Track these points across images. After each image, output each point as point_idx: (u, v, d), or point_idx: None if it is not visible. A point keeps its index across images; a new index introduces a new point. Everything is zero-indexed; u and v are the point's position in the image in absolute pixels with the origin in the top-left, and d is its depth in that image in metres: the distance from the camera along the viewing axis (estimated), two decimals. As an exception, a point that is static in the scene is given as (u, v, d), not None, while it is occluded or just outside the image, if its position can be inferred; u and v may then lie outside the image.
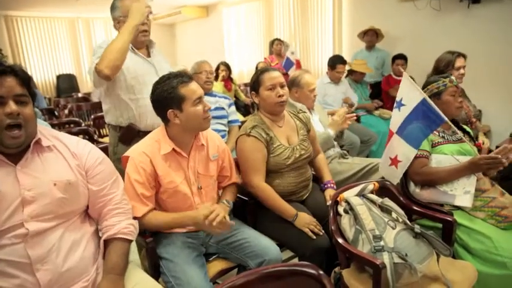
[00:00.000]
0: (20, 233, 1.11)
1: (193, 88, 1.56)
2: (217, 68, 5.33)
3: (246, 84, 6.16)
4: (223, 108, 2.96)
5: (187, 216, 1.53)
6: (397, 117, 1.81)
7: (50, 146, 1.24)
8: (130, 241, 1.35)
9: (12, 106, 1.11)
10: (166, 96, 1.53)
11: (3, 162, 1.14)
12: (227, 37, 7.89)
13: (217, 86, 5.09)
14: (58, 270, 1.16)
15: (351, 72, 4.27)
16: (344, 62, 3.80)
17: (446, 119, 1.69)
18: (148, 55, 2.10)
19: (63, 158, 1.25)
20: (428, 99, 1.70)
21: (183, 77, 1.56)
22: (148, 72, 2.02)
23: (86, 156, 1.30)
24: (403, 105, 1.77)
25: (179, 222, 1.55)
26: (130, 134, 1.86)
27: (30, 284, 1.12)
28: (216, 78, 5.27)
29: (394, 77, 4.37)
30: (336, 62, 3.77)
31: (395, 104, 1.82)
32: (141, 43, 2.05)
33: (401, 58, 4.30)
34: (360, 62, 4.29)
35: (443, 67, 2.53)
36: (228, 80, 5.45)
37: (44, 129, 1.25)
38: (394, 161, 1.84)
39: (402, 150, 1.80)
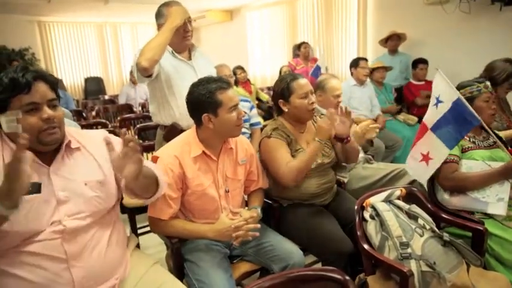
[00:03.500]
0: (58, 229, 1.15)
1: (231, 95, 1.57)
2: (234, 74, 4.99)
3: (269, 88, 6.11)
4: (244, 112, 2.98)
5: (210, 230, 1.54)
6: (434, 113, 1.76)
7: (79, 147, 1.28)
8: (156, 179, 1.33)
9: (48, 111, 1.15)
10: (204, 100, 1.54)
11: (38, 164, 1.18)
12: (250, 41, 7.96)
13: (240, 92, 4.79)
14: (91, 268, 1.19)
15: (372, 76, 4.21)
16: (365, 60, 3.80)
17: (480, 119, 1.64)
18: (190, 58, 2.19)
19: (92, 158, 1.28)
20: (463, 99, 1.66)
21: (222, 82, 1.58)
22: (188, 73, 2.09)
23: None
24: (441, 102, 1.73)
25: (201, 234, 1.56)
26: (174, 133, 1.94)
27: (64, 280, 1.15)
28: (236, 83, 5.00)
29: (414, 82, 4.30)
30: (357, 60, 3.78)
31: (433, 101, 1.77)
32: (183, 47, 2.16)
33: (423, 62, 4.24)
34: (376, 62, 4.28)
35: (502, 79, 2.33)
36: (247, 83, 5.36)
37: (70, 130, 1.29)
38: (426, 158, 1.80)
39: (436, 148, 1.75)
